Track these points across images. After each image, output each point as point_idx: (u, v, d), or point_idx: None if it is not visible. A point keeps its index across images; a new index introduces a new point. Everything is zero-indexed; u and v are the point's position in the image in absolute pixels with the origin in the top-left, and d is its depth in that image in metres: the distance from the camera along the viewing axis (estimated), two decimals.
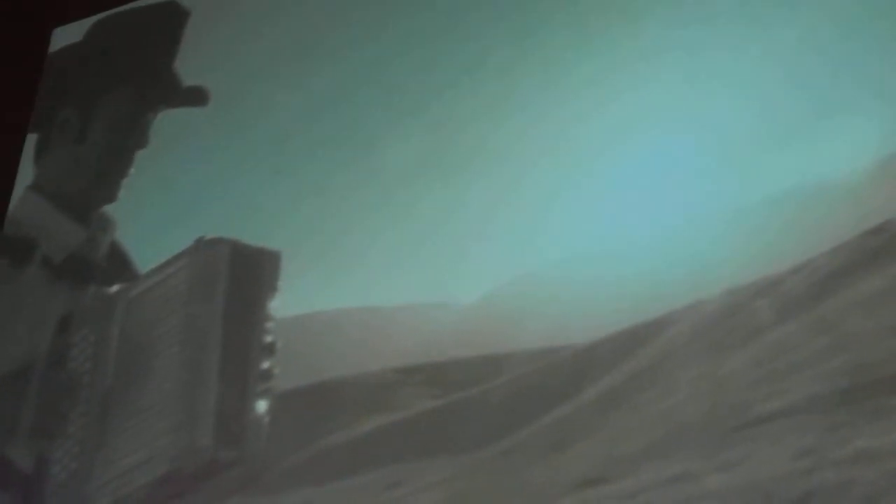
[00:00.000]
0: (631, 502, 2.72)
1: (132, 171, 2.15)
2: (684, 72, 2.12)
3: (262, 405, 2.12)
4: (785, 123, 2.10)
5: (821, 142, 2.15)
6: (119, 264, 2.06)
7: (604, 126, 2.19)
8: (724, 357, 2.50)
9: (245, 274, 1.87)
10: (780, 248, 2.33)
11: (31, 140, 2.25)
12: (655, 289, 2.18)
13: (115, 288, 2.02)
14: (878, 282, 2.92)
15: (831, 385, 3.34)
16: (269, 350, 1.91)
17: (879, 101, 2.10)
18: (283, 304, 2.05)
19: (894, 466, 2.52)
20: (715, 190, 2.28)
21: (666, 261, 2.19)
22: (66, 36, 2.42)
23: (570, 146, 2.24)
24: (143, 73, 2.26)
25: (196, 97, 2.09)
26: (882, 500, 2.32)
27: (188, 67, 2.28)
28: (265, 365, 2.00)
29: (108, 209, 2.17)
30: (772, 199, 2.32)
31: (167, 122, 2.19)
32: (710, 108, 2.14)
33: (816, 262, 2.61)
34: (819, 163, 2.20)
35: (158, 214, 2.16)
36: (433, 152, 2.24)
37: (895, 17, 2.12)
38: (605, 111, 2.25)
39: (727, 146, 2.17)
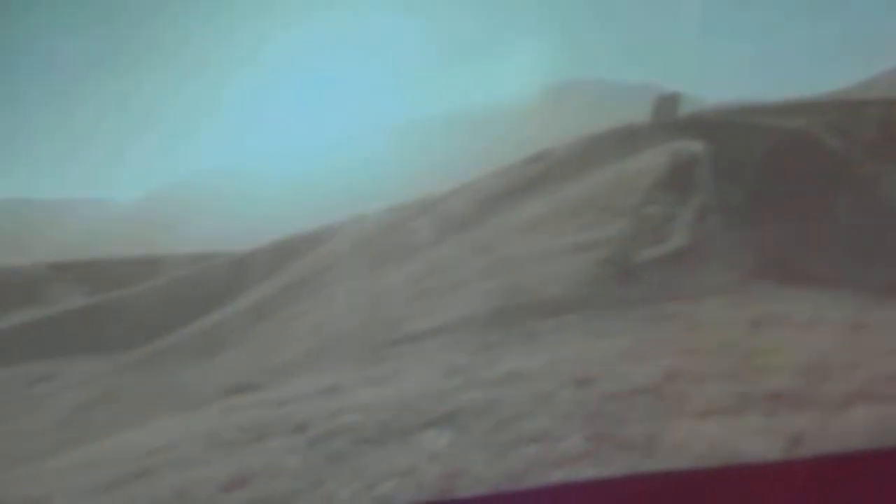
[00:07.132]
0: (279, 410, 2.73)
1: None
2: None
3: None
4: (456, 44, 2.10)
5: (491, 63, 2.14)
6: None
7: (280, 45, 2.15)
8: (381, 273, 2.50)
9: None
10: (443, 169, 2.33)
11: None
12: (316, 200, 2.17)
13: None
14: (533, 208, 2.98)
15: (485, 306, 3.41)
16: None
17: (550, 25, 2.10)
18: None
19: (541, 388, 2.59)
20: (383, 107, 2.27)
21: (328, 172, 2.16)
22: None
23: (252, 58, 2.20)
24: None
25: None
26: (526, 420, 2.38)
27: None
28: None
29: None
30: (438, 119, 2.31)
31: None
32: (381, 29, 2.11)
33: (477, 185, 2.61)
34: (488, 85, 2.20)
35: None
36: (107, 46, 2.18)
37: None
38: (287, 31, 2.21)
39: (397, 65, 2.16)
